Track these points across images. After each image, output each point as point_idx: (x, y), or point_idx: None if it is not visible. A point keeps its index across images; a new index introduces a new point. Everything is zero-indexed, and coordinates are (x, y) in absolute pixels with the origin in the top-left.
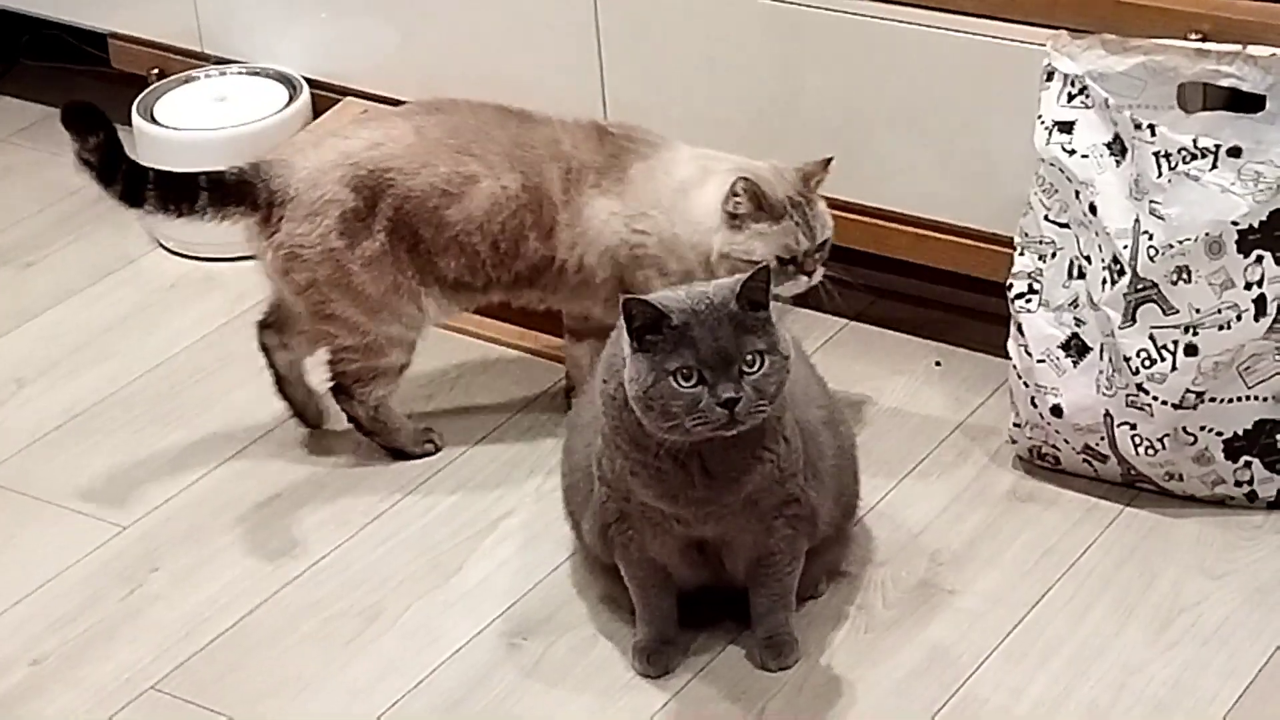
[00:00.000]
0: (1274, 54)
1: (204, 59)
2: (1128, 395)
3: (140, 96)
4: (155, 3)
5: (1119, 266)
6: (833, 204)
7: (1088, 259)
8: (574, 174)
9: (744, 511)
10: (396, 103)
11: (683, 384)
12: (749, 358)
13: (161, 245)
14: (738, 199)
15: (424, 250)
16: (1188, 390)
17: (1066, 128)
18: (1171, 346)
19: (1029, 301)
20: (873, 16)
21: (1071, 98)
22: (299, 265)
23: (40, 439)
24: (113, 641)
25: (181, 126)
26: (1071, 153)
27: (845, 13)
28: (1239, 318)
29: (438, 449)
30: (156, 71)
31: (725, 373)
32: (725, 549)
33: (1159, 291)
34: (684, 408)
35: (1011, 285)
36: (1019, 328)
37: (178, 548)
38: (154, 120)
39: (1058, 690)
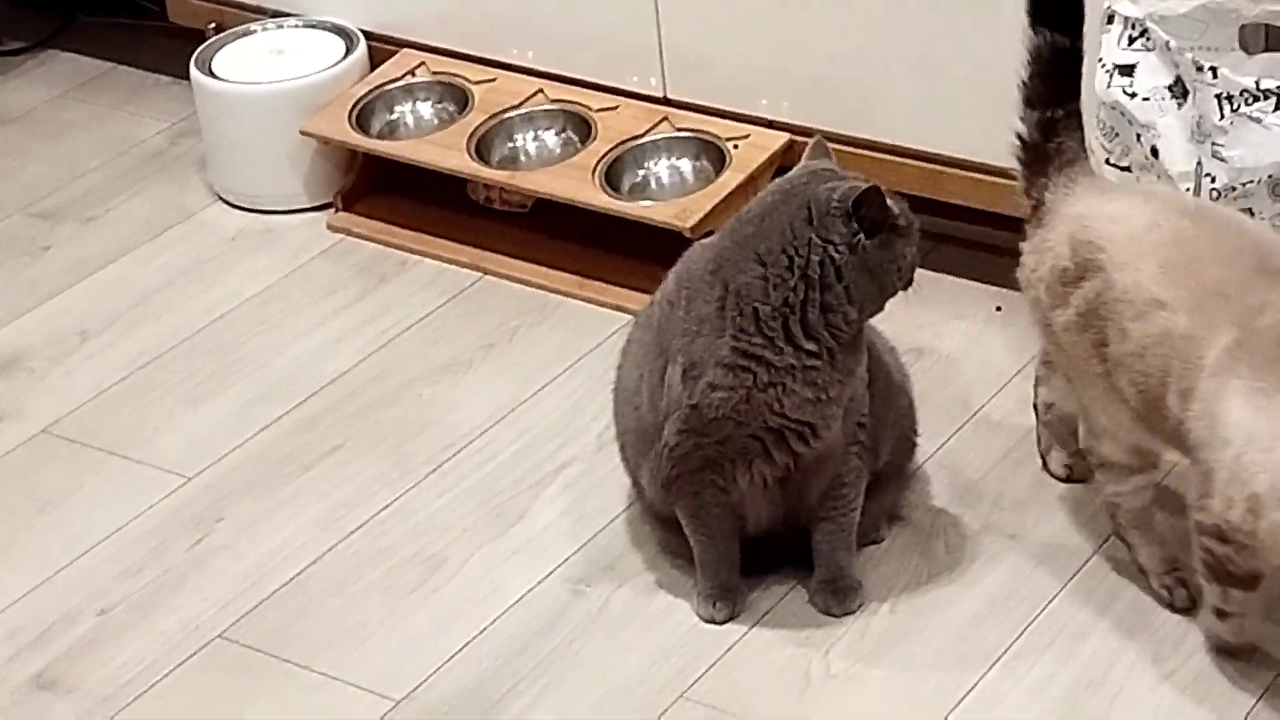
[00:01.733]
0: None
1: (261, 12)
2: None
3: (198, 51)
4: None
5: None
6: (889, 149)
7: None
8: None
9: (839, 421)
10: (453, 55)
11: (901, 266)
12: None
13: (221, 199)
14: None
15: (1108, 350)
16: None
17: (1128, 71)
18: None
19: None
20: None
21: (1132, 40)
22: (1027, 280)
23: (104, 392)
24: (179, 591)
25: (240, 80)
26: (1133, 96)
27: None
28: None
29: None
30: (214, 26)
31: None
32: (808, 476)
33: None
34: (900, 278)
35: None
36: None
37: (242, 498)
38: (212, 74)
39: (1120, 635)
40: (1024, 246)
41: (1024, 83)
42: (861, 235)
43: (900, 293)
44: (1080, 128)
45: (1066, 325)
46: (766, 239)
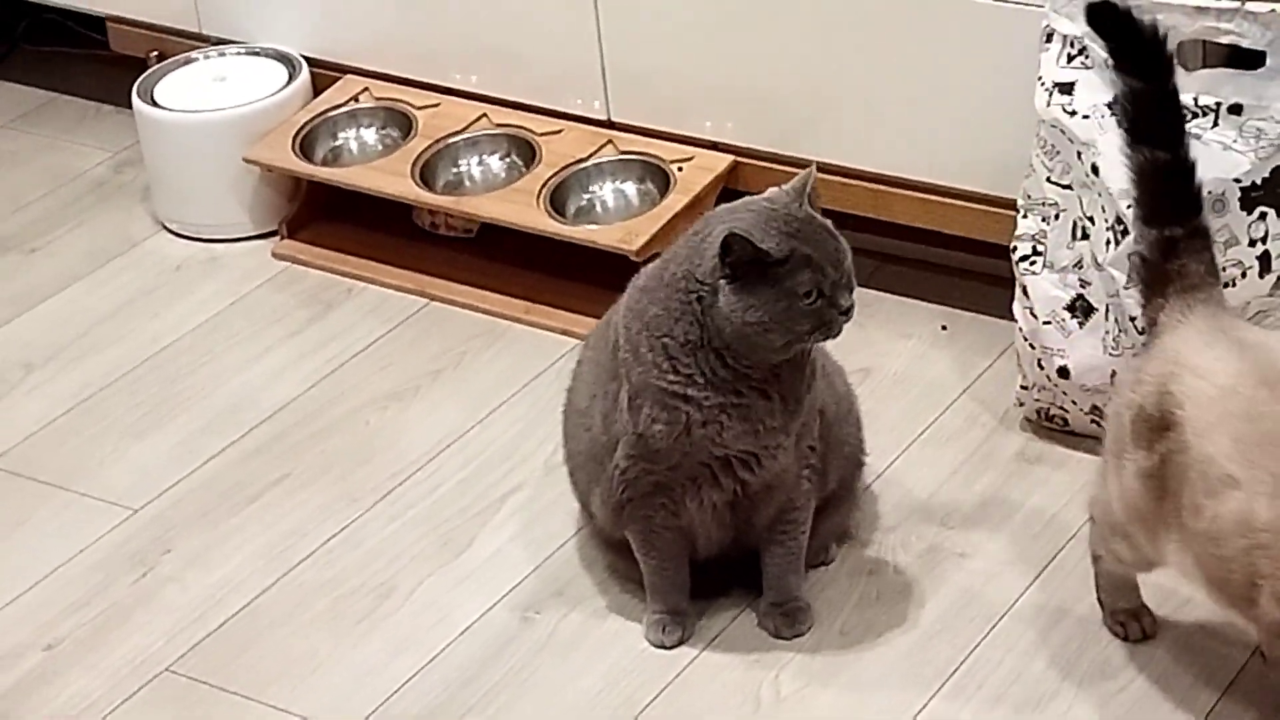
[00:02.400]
0: (1273, 9)
1: (202, 40)
2: (1134, 355)
3: (140, 79)
4: None
5: (1122, 227)
6: (836, 170)
7: (1091, 220)
8: None
9: (790, 450)
10: (397, 81)
11: (806, 302)
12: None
13: (165, 228)
14: None
15: (1174, 510)
16: None
17: (1067, 89)
18: None
19: (1033, 264)
20: None
21: (1071, 58)
22: (1119, 399)
23: (49, 424)
24: (126, 625)
25: (182, 108)
26: (1072, 114)
27: None
28: (1244, 275)
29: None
30: (155, 54)
31: (845, 284)
32: (757, 501)
33: None
34: (811, 325)
35: (1015, 248)
36: (1024, 290)
37: (189, 530)
38: (154, 103)
39: (1070, 651)
40: (1133, 360)
41: (1136, 200)
42: (724, 279)
43: (831, 323)
44: (1207, 248)
45: (1141, 471)
46: (672, 272)
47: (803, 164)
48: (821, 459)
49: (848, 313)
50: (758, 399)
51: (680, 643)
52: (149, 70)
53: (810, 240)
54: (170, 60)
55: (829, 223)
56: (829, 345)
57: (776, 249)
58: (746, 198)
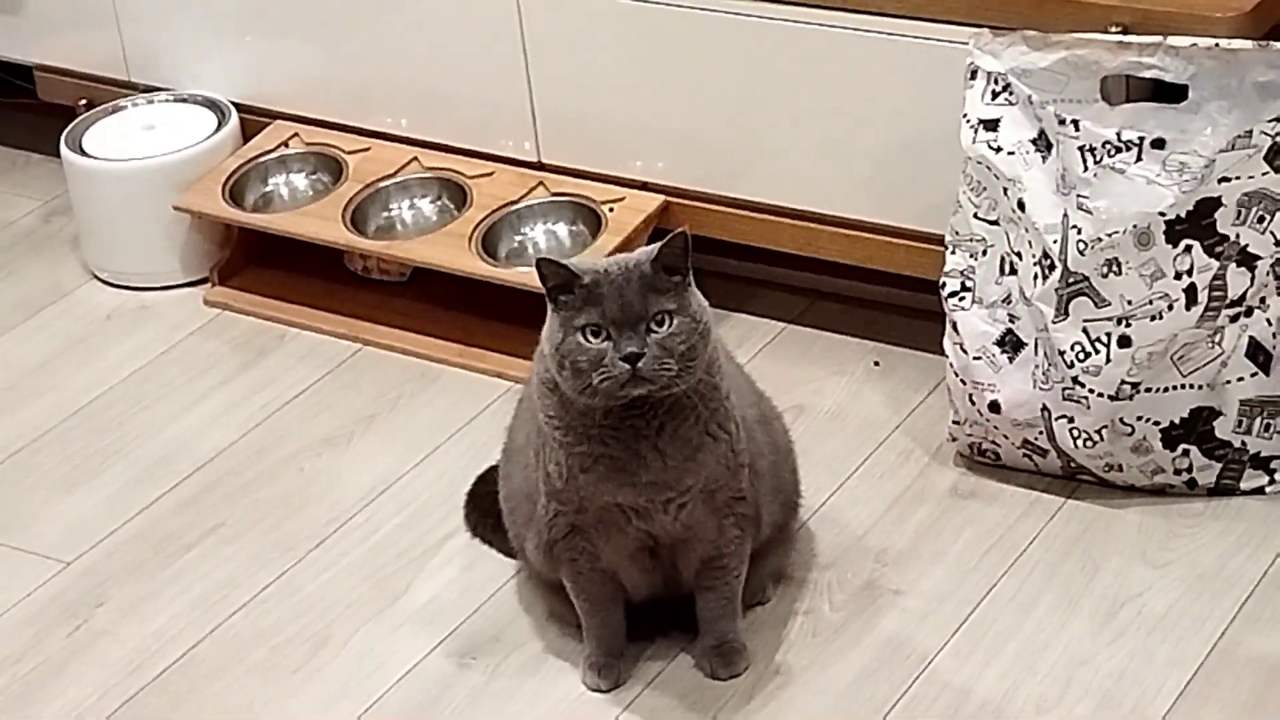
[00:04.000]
0: (1194, 44)
1: (131, 88)
2: (1064, 389)
3: (68, 128)
4: (80, 33)
5: (1049, 261)
6: (764, 209)
7: (1018, 255)
8: None
9: (701, 505)
10: (326, 125)
11: (590, 340)
12: (656, 317)
13: (96, 276)
14: None
15: None
16: (1123, 381)
17: (992, 125)
18: (1105, 339)
19: (962, 299)
20: (797, 21)
21: (995, 95)
22: None
23: None
24: (60, 679)
25: (111, 157)
26: (998, 150)
27: (770, 19)
28: (1170, 308)
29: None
30: (84, 102)
31: (630, 328)
32: (678, 550)
33: (1090, 285)
34: (589, 363)
35: (944, 284)
36: (954, 325)
37: (122, 582)
38: (83, 152)
39: (1006, 686)
40: None
41: None
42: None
43: (610, 366)
44: None
45: None
46: None
47: (732, 202)
48: (755, 507)
49: (629, 360)
50: (623, 450)
51: (617, 685)
52: (77, 119)
53: (615, 283)
54: (99, 108)
55: (661, 279)
56: (767, 389)
57: (582, 277)
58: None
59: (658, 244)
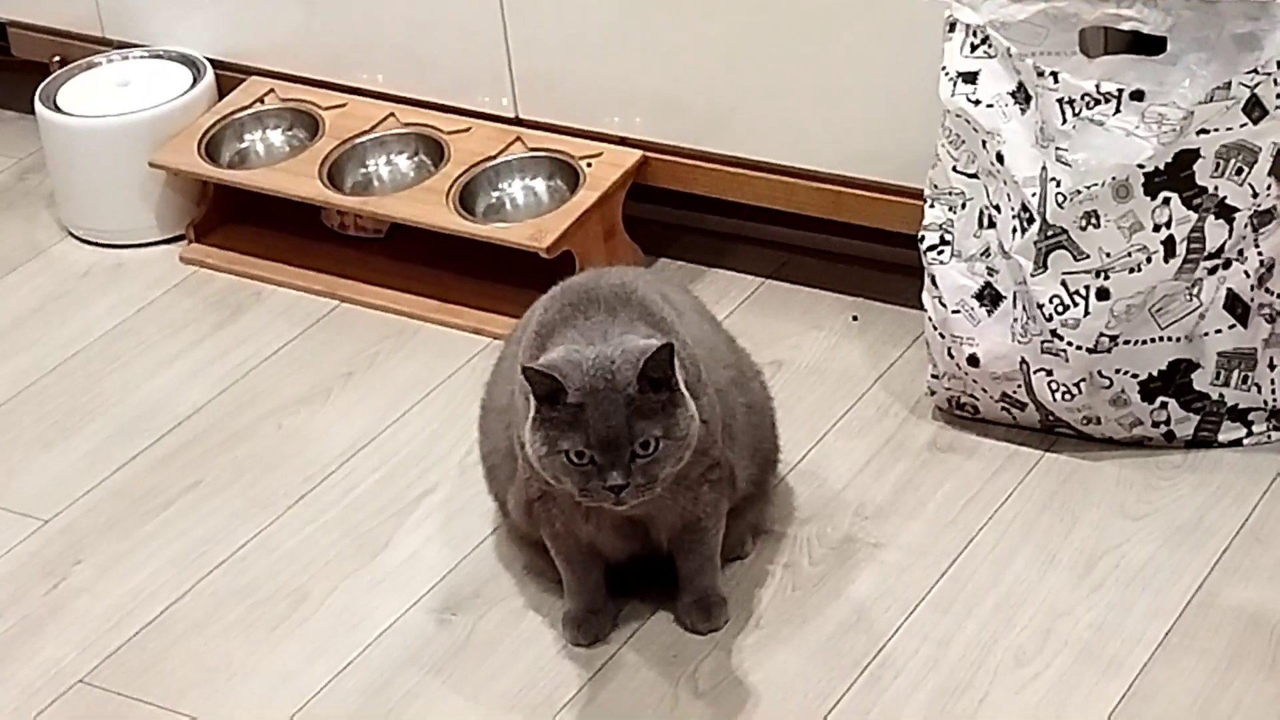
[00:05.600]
0: None
1: (106, 44)
2: (1042, 342)
3: (42, 85)
4: None
5: (1028, 214)
6: (742, 163)
7: (997, 208)
8: None
9: (670, 488)
10: (303, 81)
11: (575, 461)
12: (642, 443)
13: (71, 234)
14: None
15: None
16: (1101, 334)
17: (970, 78)
18: (1083, 291)
19: (941, 253)
20: None
21: (974, 48)
22: None
23: None
24: (39, 636)
25: (86, 114)
26: (976, 103)
27: None
28: (1149, 260)
29: None
30: (58, 59)
31: (616, 457)
32: (654, 517)
33: (1069, 237)
34: (574, 483)
35: (923, 237)
36: (932, 279)
37: (100, 539)
38: (58, 108)
39: (985, 638)
40: None
41: None
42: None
43: (594, 493)
44: None
45: None
46: (538, 318)
47: (710, 157)
48: (729, 469)
49: (613, 490)
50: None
51: (597, 640)
52: (52, 75)
53: (601, 407)
54: (73, 65)
55: (648, 400)
56: (745, 344)
57: (568, 392)
58: (649, 297)
59: (644, 354)
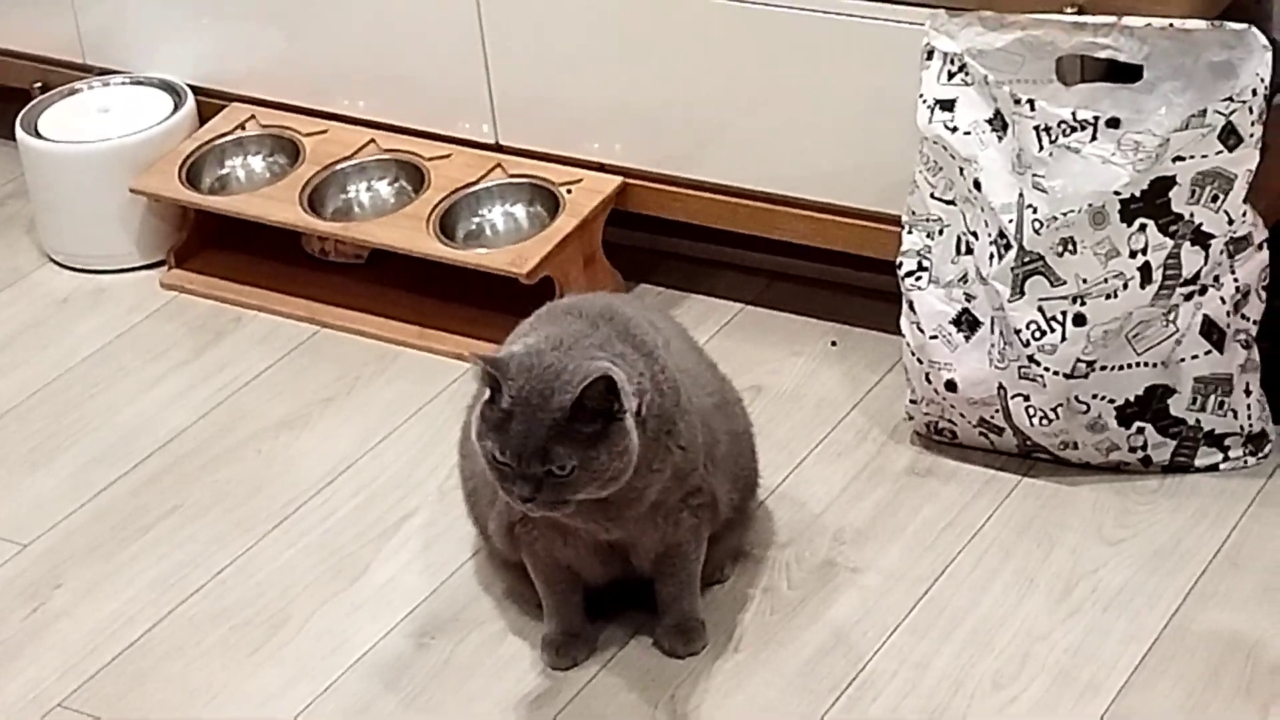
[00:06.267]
0: (1149, 24)
1: (86, 70)
2: (1020, 367)
3: (24, 111)
4: (36, 15)
5: (1005, 240)
6: (722, 190)
7: (974, 234)
8: None
9: (649, 514)
10: (283, 108)
11: (495, 459)
12: (559, 467)
13: (52, 259)
14: None
15: None
16: (1078, 359)
17: (948, 105)
18: (1060, 317)
19: (919, 279)
20: (754, 2)
21: (951, 75)
22: None
23: None
24: (17, 660)
25: (67, 139)
26: (954, 130)
27: (727, 0)
28: (1125, 286)
29: None
30: (39, 85)
31: (528, 472)
32: (632, 545)
33: (1045, 263)
34: (493, 475)
35: (901, 263)
36: (910, 305)
37: (80, 563)
38: (38, 134)
39: (962, 662)
40: None
41: None
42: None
43: (510, 495)
44: None
45: None
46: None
47: (689, 184)
48: (711, 495)
49: (523, 498)
50: None
51: (574, 665)
52: (33, 101)
53: (526, 420)
54: (54, 91)
55: (574, 430)
56: (725, 369)
57: (503, 397)
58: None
59: (584, 380)
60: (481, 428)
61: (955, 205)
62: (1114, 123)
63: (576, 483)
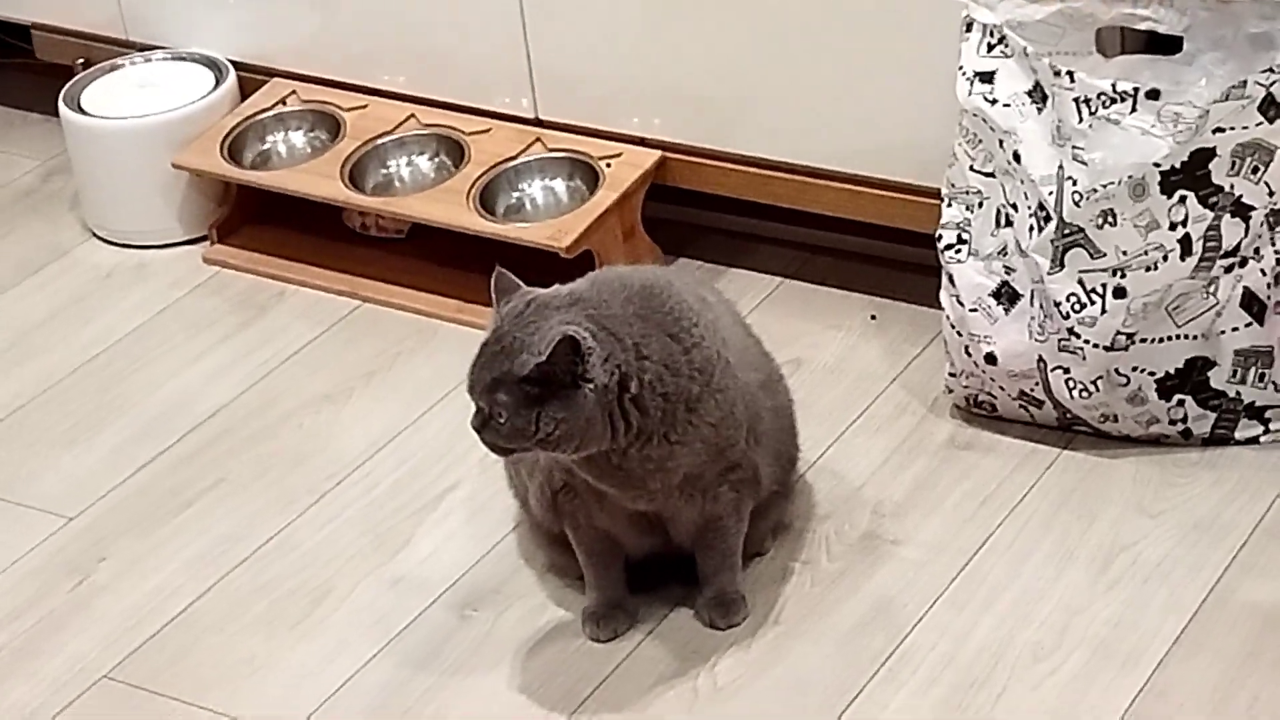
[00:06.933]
0: None
1: (129, 46)
2: (1059, 340)
3: (66, 87)
4: None
5: (1045, 213)
6: (761, 163)
7: (1014, 207)
8: None
9: (685, 487)
10: (324, 83)
11: (468, 374)
12: (496, 413)
13: (95, 235)
14: None
15: None
16: (1118, 332)
17: (987, 78)
18: (1100, 289)
19: (958, 252)
20: None
21: (991, 47)
22: None
23: None
24: (63, 633)
25: (109, 115)
26: (993, 102)
27: None
28: (1165, 258)
29: None
30: (82, 61)
31: (477, 404)
32: (670, 519)
33: (1085, 236)
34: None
35: (940, 236)
36: (950, 278)
37: (124, 537)
38: (81, 110)
39: (1002, 635)
40: None
41: None
42: None
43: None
44: None
45: None
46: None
47: (729, 157)
48: (753, 470)
49: (479, 432)
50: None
51: (614, 637)
52: (75, 78)
53: (483, 359)
54: (96, 67)
55: (522, 389)
56: (766, 344)
57: (488, 328)
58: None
59: (549, 345)
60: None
61: (995, 178)
62: (1154, 94)
63: (508, 435)
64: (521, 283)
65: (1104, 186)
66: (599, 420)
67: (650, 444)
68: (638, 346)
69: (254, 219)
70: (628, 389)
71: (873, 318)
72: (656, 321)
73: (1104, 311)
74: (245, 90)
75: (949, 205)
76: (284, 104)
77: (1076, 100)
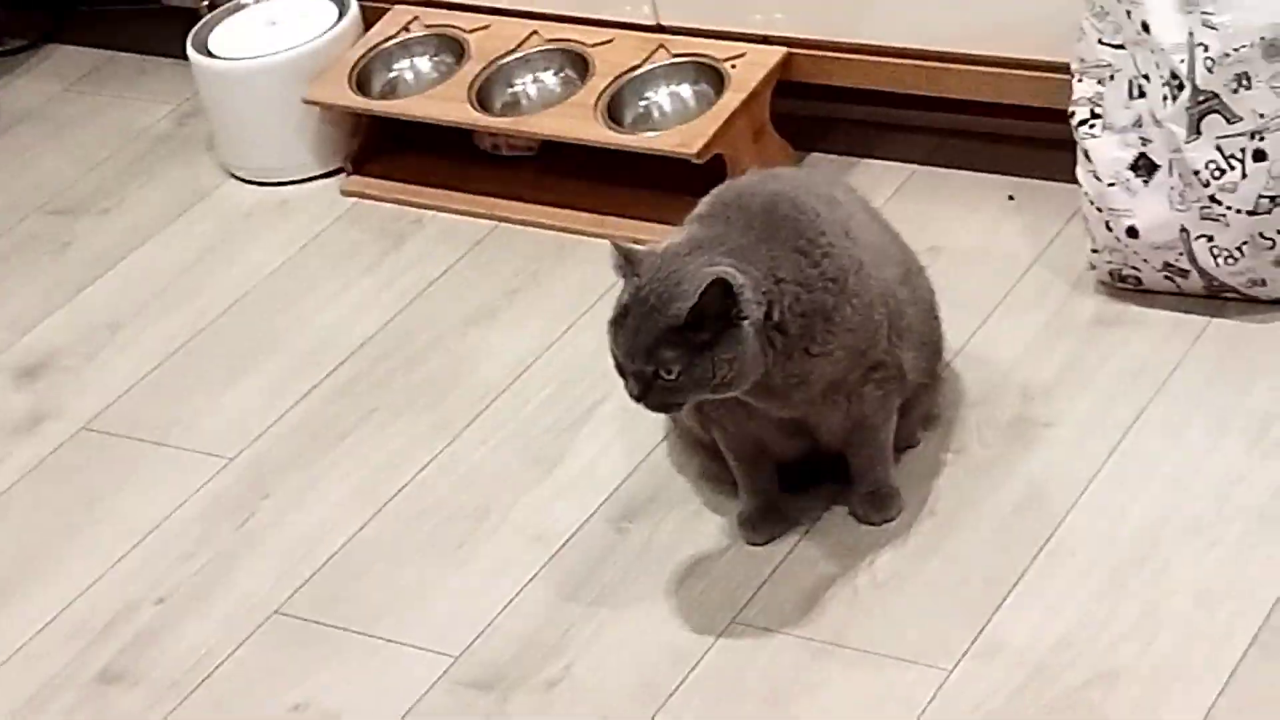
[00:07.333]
0: None
1: None
2: (1201, 208)
3: (193, 30)
4: None
5: (1178, 81)
6: (887, 51)
7: (1146, 77)
8: None
9: (830, 393)
10: (445, 6)
11: (612, 350)
12: (666, 370)
13: (233, 175)
14: None
15: None
16: (1260, 195)
17: None
18: (1239, 154)
19: (1093, 127)
20: None
21: None
22: None
23: (139, 381)
24: (233, 571)
25: (237, 56)
26: None
27: None
28: None
29: None
30: (207, 4)
31: (636, 374)
32: (817, 425)
33: (1220, 101)
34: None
35: (1074, 112)
36: (1086, 154)
37: (285, 473)
38: (209, 53)
39: (1160, 510)
40: None
41: None
42: None
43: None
44: None
45: None
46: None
47: (854, 48)
48: (897, 367)
49: (638, 400)
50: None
51: (771, 539)
52: (201, 20)
53: (633, 324)
54: (221, 9)
55: (686, 336)
56: (901, 233)
57: (623, 297)
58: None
59: (700, 289)
60: (610, 317)
61: (1124, 49)
62: None
63: (683, 388)
64: (636, 246)
65: (1236, 50)
66: (760, 353)
67: (791, 361)
68: (772, 271)
69: (387, 148)
70: (771, 316)
71: (1010, 198)
72: (782, 240)
73: (1244, 176)
74: (368, 21)
75: (1080, 80)
76: (407, 30)
77: None
